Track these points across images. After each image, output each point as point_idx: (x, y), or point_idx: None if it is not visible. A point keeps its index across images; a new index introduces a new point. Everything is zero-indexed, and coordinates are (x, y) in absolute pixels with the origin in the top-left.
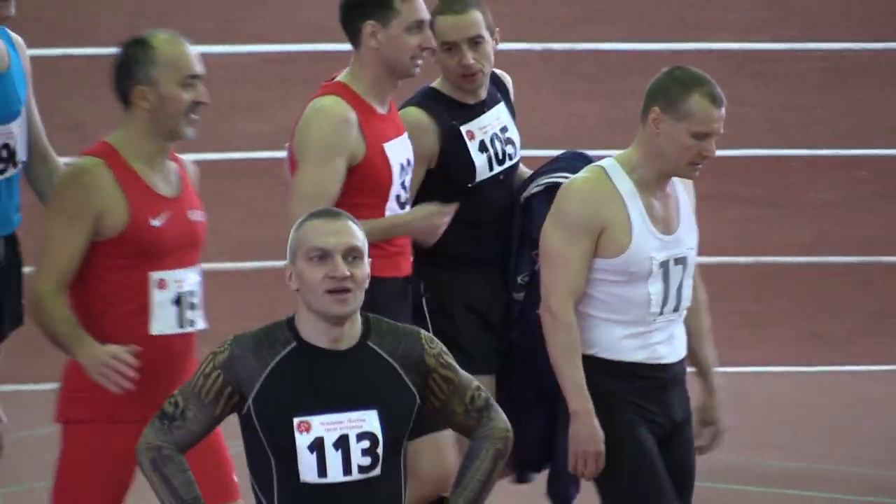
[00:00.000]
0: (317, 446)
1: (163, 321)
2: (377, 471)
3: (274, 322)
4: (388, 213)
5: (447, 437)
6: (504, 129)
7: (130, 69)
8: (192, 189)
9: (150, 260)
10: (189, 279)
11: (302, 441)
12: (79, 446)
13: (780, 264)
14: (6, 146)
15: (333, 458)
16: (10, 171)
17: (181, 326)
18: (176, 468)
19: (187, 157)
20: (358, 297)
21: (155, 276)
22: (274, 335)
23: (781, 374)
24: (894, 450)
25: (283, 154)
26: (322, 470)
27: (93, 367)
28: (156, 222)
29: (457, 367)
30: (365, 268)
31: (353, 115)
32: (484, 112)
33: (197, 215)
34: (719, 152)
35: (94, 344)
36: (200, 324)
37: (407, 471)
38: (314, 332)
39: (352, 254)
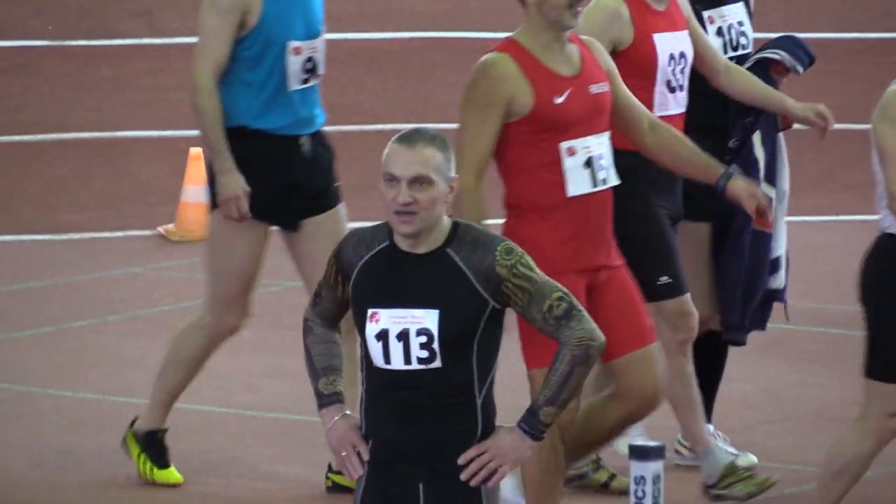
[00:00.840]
0: (382, 336)
1: (577, 184)
2: (437, 363)
3: (381, 222)
4: (657, 96)
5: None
6: (740, 24)
7: None
8: (595, 65)
9: (558, 133)
10: (597, 144)
11: (371, 330)
12: None
13: None
14: (311, 59)
15: (395, 348)
16: (312, 81)
17: (594, 186)
18: (315, 338)
19: None
20: (424, 218)
21: (564, 145)
22: (375, 234)
23: None
24: (839, 287)
25: None
26: (387, 357)
27: None
28: (559, 100)
29: (535, 277)
30: (433, 192)
31: (623, 9)
32: (725, 4)
33: (599, 87)
34: None
35: None
36: (613, 180)
37: (488, 365)
38: (398, 237)
39: (418, 181)
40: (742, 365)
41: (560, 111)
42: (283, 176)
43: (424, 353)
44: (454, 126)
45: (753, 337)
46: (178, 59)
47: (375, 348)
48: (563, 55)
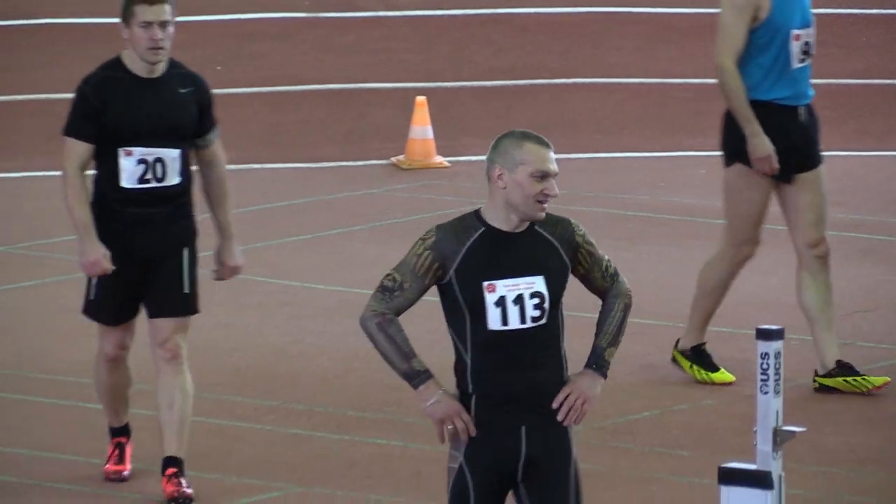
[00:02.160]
0: (501, 302)
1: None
2: (544, 321)
3: (461, 215)
4: None
5: None
6: None
7: None
8: None
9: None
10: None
11: (490, 298)
12: None
13: None
14: (807, 43)
15: (512, 311)
16: (807, 62)
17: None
18: (396, 328)
19: None
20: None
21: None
22: (466, 224)
23: None
24: None
25: None
26: (504, 320)
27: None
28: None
29: (596, 245)
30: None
31: None
32: None
33: None
34: None
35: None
36: None
37: (563, 321)
38: (503, 220)
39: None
40: (844, 267)
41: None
42: (784, 139)
43: (537, 313)
44: (623, 80)
45: (853, 244)
46: (406, 28)
47: (494, 313)
48: None
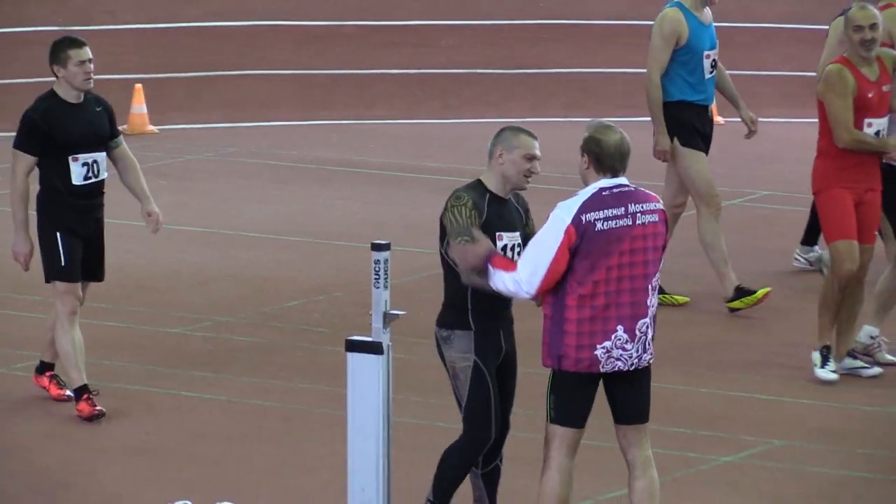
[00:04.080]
0: (503, 249)
1: None
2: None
3: (469, 184)
4: None
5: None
6: None
7: None
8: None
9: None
10: (881, 123)
11: (499, 244)
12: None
13: None
14: (714, 61)
15: (507, 255)
16: (713, 73)
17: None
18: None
19: None
20: None
21: (866, 121)
22: (478, 189)
23: None
24: None
25: None
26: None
27: None
28: (870, 95)
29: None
30: None
31: None
32: None
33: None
34: None
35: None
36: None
37: None
38: (499, 189)
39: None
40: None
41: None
42: (699, 128)
43: (516, 259)
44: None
45: None
46: (129, 37)
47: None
48: (869, 66)
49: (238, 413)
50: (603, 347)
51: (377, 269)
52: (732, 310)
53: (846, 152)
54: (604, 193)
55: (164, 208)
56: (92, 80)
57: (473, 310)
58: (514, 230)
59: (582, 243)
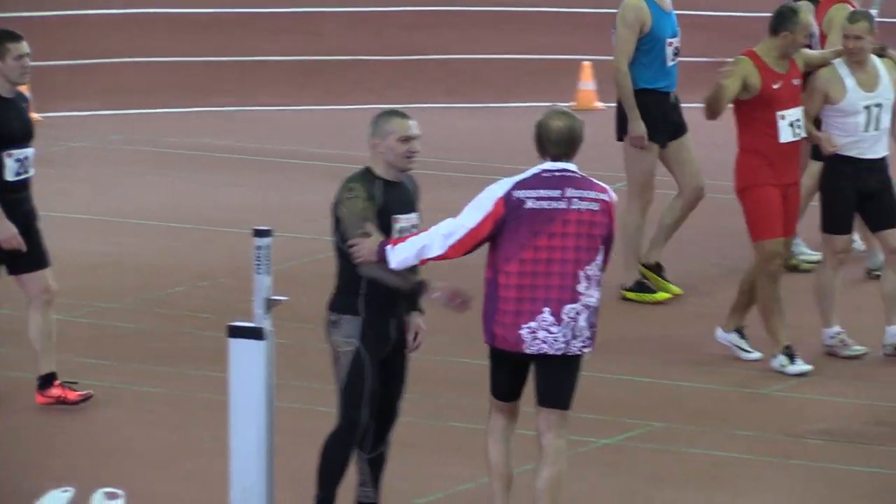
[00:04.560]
0: (400, 231)
1: (785, 135)
2: None
3: (358, 173)
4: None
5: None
6: None
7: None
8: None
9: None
10: (794, 114)
11: (395, 227)
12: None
13: None
14: (676, 48)
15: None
16: (676, 61)
17: (793, 137)
18: (378, 266)
19: None
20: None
21: (778, 114)
22: (367, 177)
23: None
24: None
25: None
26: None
27: None
28: (775, 86)
29: None
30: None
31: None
32: None
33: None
34: None
35: None
36: (804, 133)
37: None
38: (388, 173)
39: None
40: None
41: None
42: (663, 115)
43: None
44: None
45: None
46: (19, 26)
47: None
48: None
49: (122, 398)
50: (528, 327)
51: (259, 254)
52: (625, 298)
53: (770, 149)
54: (544, 175)
55: (49, 196)
56: (28, 76)
57: (365, 296)
58: (410, 211)
59: (509, 219)
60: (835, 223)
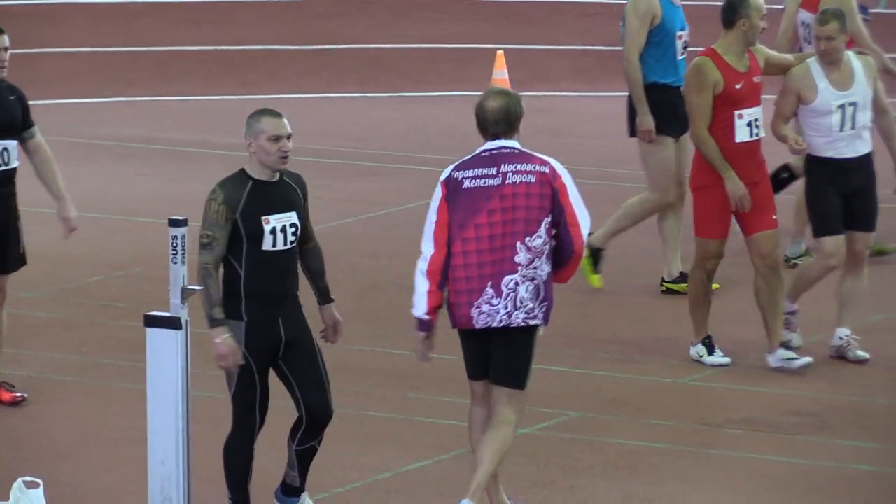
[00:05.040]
0: (273, 231)
1: (741, 135)
2: (295, 244)
3: (232, 174)
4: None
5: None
6: None
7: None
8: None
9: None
10: (753, 113)
11: (267, 228)
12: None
13: None
14: (686, 42)
15: (280, 237)
16: (685, 55)
17: (751, 137)
18: (213, 280)
19: None
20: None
21: (736, 113)
22: (239, 179)
23: None
24: None
25: None
26: (275, 243)
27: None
28: (737, 86)
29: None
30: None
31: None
32: None
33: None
34: None
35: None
36: (762, 133)
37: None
38: (262, 173)
39: (289, 138)
40: None
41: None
42: (673, 109)
43: (293, 238)
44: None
45: None
46: None
47: (268, 238)
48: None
49: (39, 388)
50: (476, 305)
51: (175, 244)
52: (669, 290)
53: (727, 148)
54: (483, 154)
55: None
56: (6, 69)
57: (246, 299)
58: (286, 210)
59: (450, 199)
60: (821, 225)
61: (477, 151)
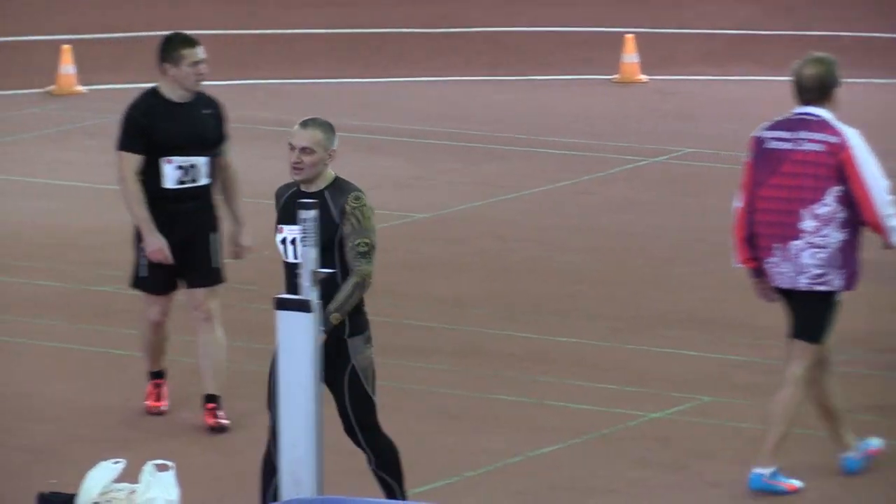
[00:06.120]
0: (282, 242)
1: None
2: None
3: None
4: None
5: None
6: None
7: None
8: None
9: None
10: None
11: (278, 238)
12: None
13: None
14: None
15: (290, 249)
16: None
17: None
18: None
19: None
20: (306, 172)
21: None
22: (290, 184)
23: None
24: None
25: None
26: (286, 255)
27: None
28: None
29: (364, 222)
30: (312, 158)
31: None
32: None
33: None
34: None
35: None
36: None
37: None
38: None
39: (305, 151)
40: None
41: None
42: None
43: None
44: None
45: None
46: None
47: (280, 249)
48: None
49: (173, 371)
50: (770, 263)
51: (305, 227)
52: None
53: None
54: (790, 118)
55: (94, 168)
56: (203, 81)
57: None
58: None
59: (755, 157)
60: None
61: (788, 114)
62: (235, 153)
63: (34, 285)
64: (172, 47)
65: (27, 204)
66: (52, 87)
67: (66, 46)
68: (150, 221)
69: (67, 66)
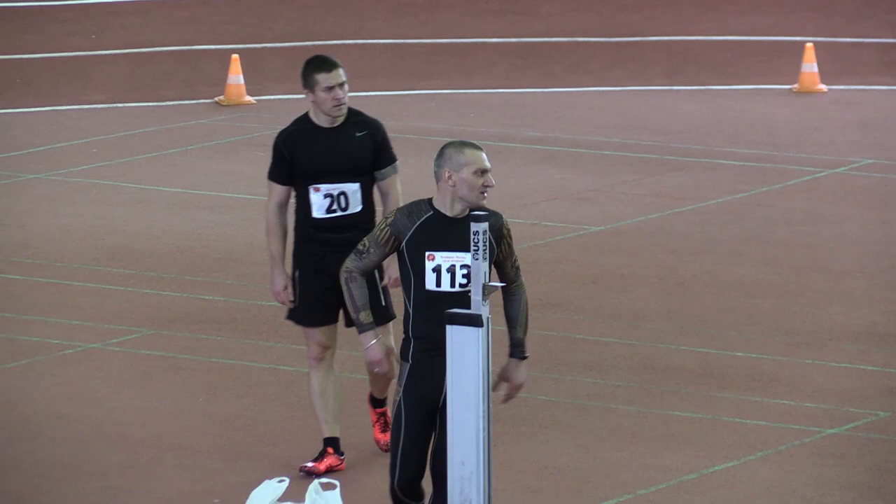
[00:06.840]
0: (436, 270)
1: None
2: (468, 287)
3: (415, 201)
4: None
5: None
6: None
7: None
8: None
9: None
10: None
11: (429, 265)
12: None
13: None
14: None
15: (445, 277)
16: None
17: None
18: (357, 285)
19: None
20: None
21: None
22: (417, 208)
23: None
24: None
25: None
26: (438, 282)
27: None
28: None
29: (513, 245)
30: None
31: None
32: None
33: None
34: None
35: None
36: None
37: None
38: (447, 208)
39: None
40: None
41: None
42: None
43: (464, 280)
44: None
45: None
46: (224, 6)
47: (431, 277)
48: None
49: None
50: None
51: (476, 240)
52: None
53: None
54: None
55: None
56: (344, 107)
57: (414, 330)
58: (455, 251)
59: None
60: None
61: None
62: (408, 164)
63: (200, 300)
64: (308, 71)
65: (194, 217)
66: (220, 98)
67: (234, 56)
68: (278, 258)
69: (236, 76)
